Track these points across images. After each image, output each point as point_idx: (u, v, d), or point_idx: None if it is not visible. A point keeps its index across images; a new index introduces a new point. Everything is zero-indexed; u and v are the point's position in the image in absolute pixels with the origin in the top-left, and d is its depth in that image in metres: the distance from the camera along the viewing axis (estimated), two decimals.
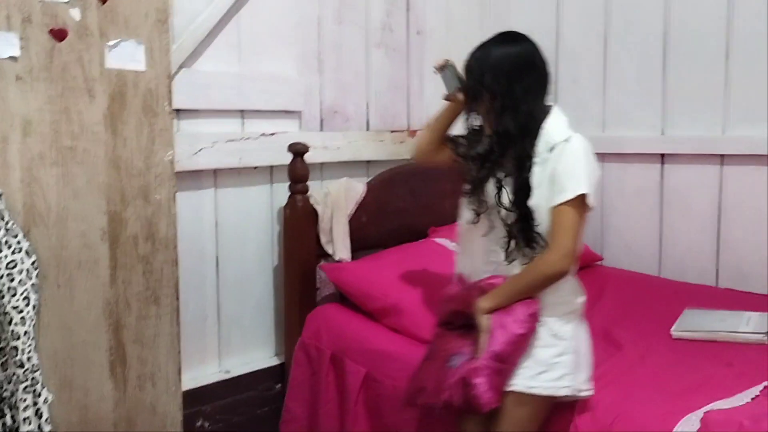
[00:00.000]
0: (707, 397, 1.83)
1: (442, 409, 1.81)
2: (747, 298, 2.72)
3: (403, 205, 2.74)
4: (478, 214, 1.83)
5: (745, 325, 2.38)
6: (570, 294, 1.81)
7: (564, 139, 1.74)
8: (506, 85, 1.74)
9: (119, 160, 1.69)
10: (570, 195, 1.69)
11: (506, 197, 1.75)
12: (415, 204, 2.78)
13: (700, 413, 1.72)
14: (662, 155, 3.02)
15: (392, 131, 2.87)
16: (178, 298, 1.82)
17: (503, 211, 1.76)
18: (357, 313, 2.39)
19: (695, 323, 2.43)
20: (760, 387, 1.88)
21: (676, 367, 2.10)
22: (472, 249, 1.90)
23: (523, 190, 1.73)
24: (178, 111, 2.24)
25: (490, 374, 1.70)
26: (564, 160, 1.72)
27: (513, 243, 1.75)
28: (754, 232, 2.87)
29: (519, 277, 1.76)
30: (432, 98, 3.02)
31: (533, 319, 1.74)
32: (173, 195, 1.80)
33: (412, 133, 2.93)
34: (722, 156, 2.92)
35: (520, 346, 1.73)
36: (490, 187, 1.80)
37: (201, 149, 2.27)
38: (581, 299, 1.85)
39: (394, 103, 2.92)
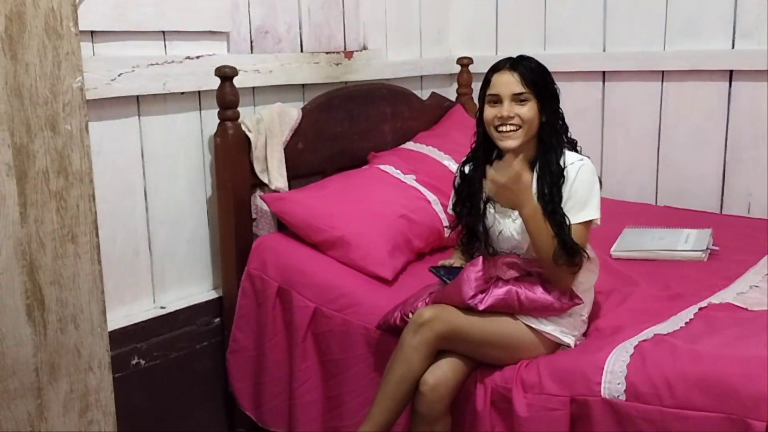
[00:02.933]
0: (642, 324, 1.85)
1: (402, 322, 1.85)
2: (686, 216, 2.75)
3: (340, 130, 2.64)
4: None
5: (683, 242, 2.40)
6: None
7: (580, 159, 1.86)
8: (556, 97, 1.88)
9: (22, 88, 1.54)
10: (589, 216, 1.83)
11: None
12: (353, 129, 2.69)
13: (634, 341, 1.73)
14: (603, 72, 2.98)
15: (328, 53, 2.74)
16: (97, 235, 1.71)
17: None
18: (303, 244, 2.32)
19: (634, 242, 2.44)
20: (695, 309, 1.90)
21: (613, 293, 2.11)
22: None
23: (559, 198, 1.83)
24: (92, 33, 2.08)
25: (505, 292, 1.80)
26: (583, 179, 1.83)
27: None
28: (693, 150, 2.88)
29: (547, 235, 1.80)
30: (369, 16, 2.90)
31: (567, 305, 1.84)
32: (85, 125, 1.67)
33: (349, 54, 2.80)
34: (663, 72, 2.89)
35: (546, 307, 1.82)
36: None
37: (120, 74, 2.12)
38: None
39: (329, 22, 2.78)
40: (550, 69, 1.91)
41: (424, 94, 3.09)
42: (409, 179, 2.58)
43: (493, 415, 1.78)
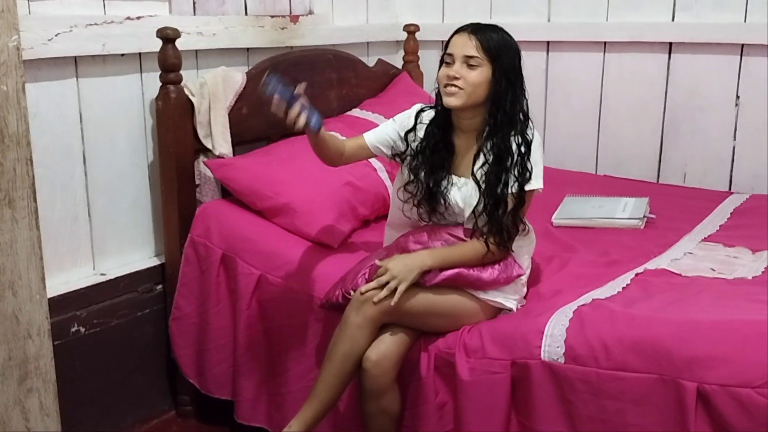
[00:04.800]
0: (581, 289, 1.90)
1: (345, 300, 1.85)
2: (625, 185, 2.82)
3: None
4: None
5: (621, 211, 2.47)
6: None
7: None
8: (519, 70, 1.86)
9: None
10: (534, 186, 1.85)
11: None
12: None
13: (573, 306, 1.78)
14: (548, 42, 3.01)
15: (273, 16, 2.69)
16: (36, 200, 1.66)
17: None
18: (248, 211, 2.30)
19: (574, 210, 2.49)
20: (631, 275, 1.96)
21: (554, 259, 2.16)
22: (411, 224, 1.99)
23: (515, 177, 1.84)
24: None
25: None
26: (533, 150, 1.85)
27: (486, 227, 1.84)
28: (633, 120, 2.95)
29: (464, 250, 1.84)
30: None
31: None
32: (22, 85, 1.61)
33: (294, 18, 2.76)
34: (605, 43, 2.94)
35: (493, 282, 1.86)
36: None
37: (57, 34, 2.05)
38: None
39: None
40: None
41: (370, 61, 3.07)
42: None
43: (437, 380, 1.81)
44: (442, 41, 3.18)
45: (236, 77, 2.45)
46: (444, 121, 1.93)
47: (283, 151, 2.45)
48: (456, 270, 1.80)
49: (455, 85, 1.82)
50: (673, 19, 2.77)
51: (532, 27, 3.00)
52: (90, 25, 2.13)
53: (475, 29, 1.85)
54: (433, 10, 3.28)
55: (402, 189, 1.97)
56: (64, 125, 2.16)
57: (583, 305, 1.79)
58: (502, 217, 1.82)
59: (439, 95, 1.91)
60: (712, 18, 2.69)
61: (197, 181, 2.38)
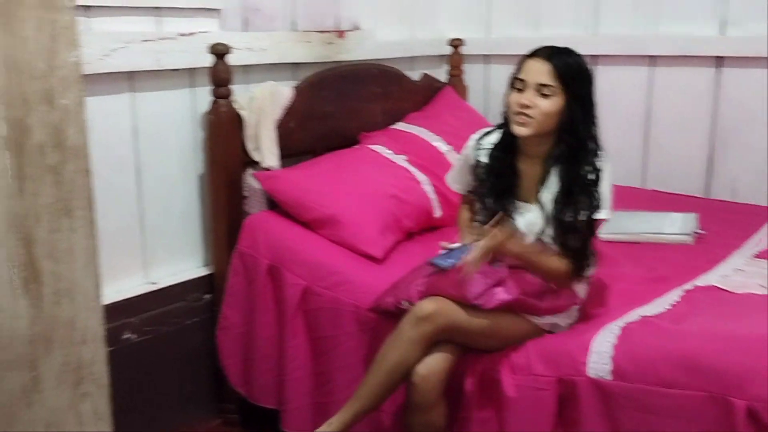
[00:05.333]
0: (629, 305, 1.88)
1: (396, 308, 1.86)
2: (673, 200, 2.79)
3: (331, 109, 2.65)
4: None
5: (670, 226, 2.44)
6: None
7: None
8: (592, 97, 1.84)
9: (18, 62, 1.53)
10: (604, 216, 1.83)
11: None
12: (344, 108, 2.70)
13: (621, 322, 1.77)
14: (594, 56, 3.00)
15: (320, 32, 2.74)
16: (93, 210, 1.72)
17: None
18: (294, 222, 2.34)
19: (622, 225, 2.47)
20: (680, 292, 1.94)
21: (600, 275, 2.14)
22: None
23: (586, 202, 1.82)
24: (87, 8, 2.08)
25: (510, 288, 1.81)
26: (604, 180, 1.83)
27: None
28: (681, 134, 2.91)
29: (549, 260, 1.83)
30: None
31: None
32: (82, 100, 1.66)
33: (341, 33, 2.80)
34: (652, 57, 2.92)
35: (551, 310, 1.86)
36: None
37: (114, 50, 2.12)
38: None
39: (322, 1, 2.78)
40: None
41: (415, 75, 3.10)
42: (400, 159, 2.60)
43: (482, 396, 1.81)
44: (487, 55, 3.23)
45: (284, 92, 2.50)
46: (508, 145, 1.89)
47: (329, 164, 2.49)
48: (516, 296, 1.79)
49: (526, 114, 1.77)
50: (721, 33, 2.74)
51: (578, 40, 2.99)
52: (145, 41, 2.20)
53: (550, 54, 1.79)
54: (478, 24, 3.29)
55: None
56: (119, 138, 2.23)
57: (630, 322, 1.78)
58: (573, 244, 1.81)
59: (506, 119, 1.87)
60: (761, 32, 2.65)
61: (245, 193, 2.43)
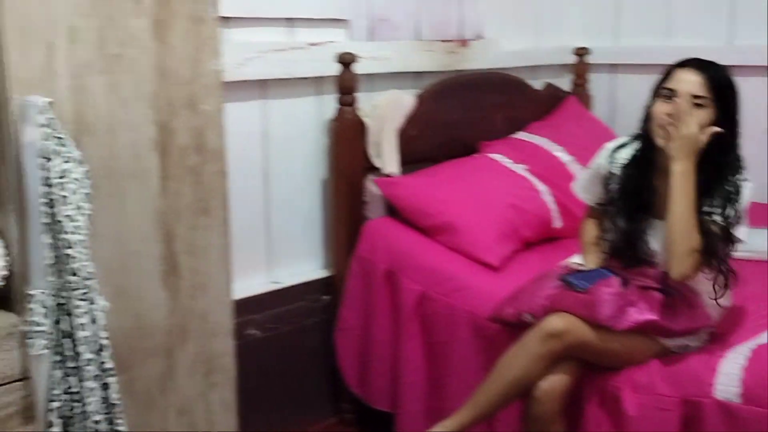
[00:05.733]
0: (759, 327, 1.80)
1: (517, 320, 1.85)
2: None
3: (453, 118, 2.67)
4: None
5: None
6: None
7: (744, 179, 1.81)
8: (738, 110, 1.80)
9: (166, 69, 1.66)
10: (740, 236, 1.78)
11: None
12: (465, 117, 2.71)
13: (751, 344, 1.69)
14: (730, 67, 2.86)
15: (443, 41, 2.77)
16: (227, 210, 1.82)
17: None
18: (411, 228, 2.38)
19: (749, 242, 2.35)
20: None
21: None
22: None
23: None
24: (225, 19, 2.19)
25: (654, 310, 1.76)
26: (745, 200, 1.77)
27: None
28: None
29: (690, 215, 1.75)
30: (487, 5, 2.91)
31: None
32: (221, 105, 1.77)
33: (464, 42, 2.82)
34: None
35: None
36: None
37: (248, 59, 2.23)
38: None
39: (446, 11, 2.81)
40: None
41: (538, 84, 3.07)
42: (520, 169, 2.58)
43: (602, 413, 1.77)
44: (614, 64, 3.16)
45: (407, 100, 2.54)
46: (645, 159, 1.84)
47: (449, 172, 2.51)
48: (649, 318, 1.74)
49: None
50: None
51: (712, 51, 2.87)
52: (277, 50, 2.30)
53: (702, 66, 1.74)
54: (605, 33, 3.22)
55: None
56: (250, 142, 2.34)
57: (762, 344, 1.70)
58: (712, 264, 1.75)
59: (645, 131, 1.82)
60: None
61: (366, 199, 2.49)
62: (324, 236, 2.59)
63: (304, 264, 2.55)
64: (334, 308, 2.47)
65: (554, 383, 1.76)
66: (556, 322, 1.75)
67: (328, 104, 2.47)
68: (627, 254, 1.86)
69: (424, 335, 2.21)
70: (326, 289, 2.52)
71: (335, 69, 2.35)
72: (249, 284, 2.37)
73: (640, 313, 1.73)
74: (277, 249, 2.47)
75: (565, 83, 3.19)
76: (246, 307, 2.28)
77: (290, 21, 2.37)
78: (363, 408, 2.42)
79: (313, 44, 2.38)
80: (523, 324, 1.84)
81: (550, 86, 3.07)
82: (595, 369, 1.80)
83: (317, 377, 2.52)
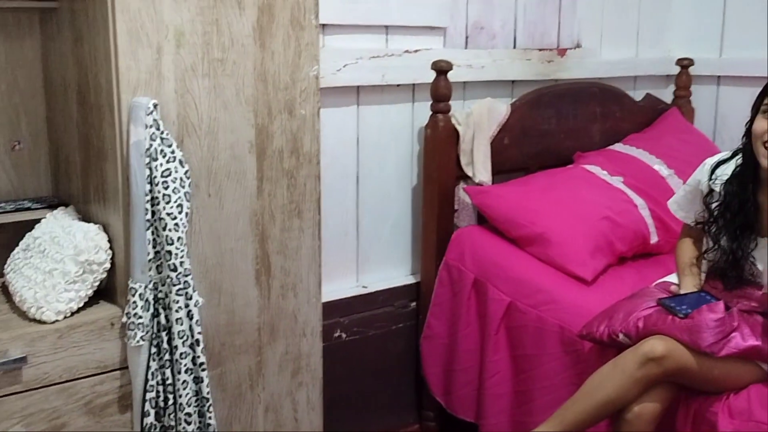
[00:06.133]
0: None
1: (611, 341, 1.80)
2: None
3: (547, 127, 2.63)
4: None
5: None
6: None
7: None
8: None
9: (266, 74, 1.70)
10: None
11: None
12: (560, 127, 2.67)
13: None
14: None
15: (540, 49, 2.73)
16: (320, 213, 1.85)
17: None
18: (501, 238, 2.35)
19: None
20: None
21: None
22: None
23: None
24: (323, 26, 2.24)
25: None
26: None
27: None
28: None
29: None
30: (586, 13, 2.85)
31: None
32: (317, 111, 1.81)
33: (562, 51, 2.78)
34: None
35: None
36: None
37: (345, 65, 2.26)
38: None
39: (544, 19, 2.77)
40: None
41: (637, 95, 2.98)
42: (616, 181, 2.52)
43: None
44: (719, 76, 3.03)
45: (501, 108, 2.52)
46: (748, 176, 1.77)
47: (541, 182, 2.47)
48: (752, 344, 1.67)
49: None
50: None
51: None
52: (373, 57, 2.32)
53: None
54: (710, 44, 3.10)
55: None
56: (343, 147, 2.37)
57: None
58: None
59: (747, 148, 1.76)
60: None
61: (455, 207, 2.48)
62: (412, 243, 2.59)
63: (391, 269, 2.56)
64: (420, 315, 2.47)
65: (648, 406, 1.69)
66: (657, 346, 1.68)
67: (421, 111, 2.47)
68: (730, 275, 1.78)
69: (511, 347, 2.17)
70: (413, 295, 2.53)
71: (429, 76, 2.36)
72: (337, 287, 2.40)
73: (743, 339, 1.66)
74: (366, 253, 2.49)
75: (665, 95, 3.08)
76: (334, 309, 2.31)
77: (388, 29, 2.39)
78: (446, 416, 2.40)
79: (408, 51, 2.39)
80: (616, 343, 1.78)
81: (650, 97, 2.98)
82: (690, 392, 1.73)
83: (401, 383, 2.52)
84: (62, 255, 1.59)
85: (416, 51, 2.41)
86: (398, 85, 2.44)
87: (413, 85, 2.47)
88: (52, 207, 1.81)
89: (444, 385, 2.38)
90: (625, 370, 1.70)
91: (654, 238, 2.39)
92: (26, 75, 1.85)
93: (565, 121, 2.67)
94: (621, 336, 1.77)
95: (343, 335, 2.37)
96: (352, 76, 2.29)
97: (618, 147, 2.75)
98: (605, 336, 1.82)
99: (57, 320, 1.57)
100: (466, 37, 2.58)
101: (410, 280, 2.56)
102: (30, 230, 1.75)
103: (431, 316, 2.42)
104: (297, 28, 1.73)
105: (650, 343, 1.69)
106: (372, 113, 2.42)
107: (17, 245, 1.75)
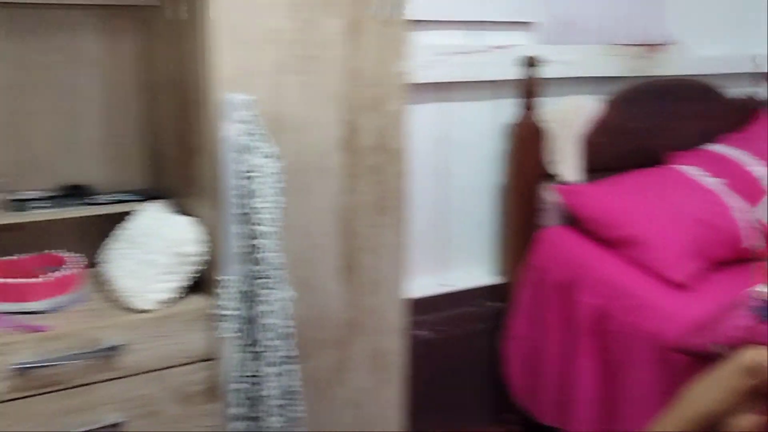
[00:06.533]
0: None
1: (706, 352, 1.72)
2: None
3: (640, 126, 2.54)
4: None
5: None
6: None
7: None
8: None
9: (355, 70, 1.70)
10: None
11: None
12: (653, 125, 2.57)
13: None
14: None
15: (633, 45, 2.65)
16: (405, 210, 1.84)
17: None
18: (589, 239, 2.29)
19: None
20: None
21: None
22: None
23: None
24: (412, 22, 2.22)
25: None
26: None
27: None
28: None
29: None
30: (679, 8, 2.75)
31: None
32: (404, 107, 1.80)
33: (655, 47, 2.68)
34: None
35: None
36: None
37: (432, 61, 2.25)
38: None
39: (636, 14, 2.68)
40: None
41: (732, 93, 2.85)
42: (712, 183, 2.41)
43: None
44: None
45: (590, 105, 2.45)
46: None
47: (635, 183, 2.39)
48: None
49: None
50: None
51: None
52: (460, 53, 2.30)
53: None
54: None
55: None
56: (429, 144, 2.36)
57: None
58: None
59: None
60: None
61: (541, 206, 2.43)
62: (497, 242, 2.56)
63: (475, 269, 2.53)
64: (504, 316, 2.44)
65: (749, 420, 1.61)
66: (758, 356, 1.60)
67: (507, 108, 2.43)
68: None
69: (599, 352, 2.11)
70: (496, 295, 2.49)
71: (516, 72, 2.32)
72: (421, 285, 2.39)
73: None
74: (450, 251, 2.47)
75: (762, 93, 2.93)
76: (417, 307, 2.30)
77: (476, 24, 2.36)
78: (527, 420, 2.36)
79: (496, 47, 2.36)
80: (710, 354, 1.71)
81: (746, 95, 2.84)
82: None
83: (482, 383, 2.49)
84: (157, 246, 1.64)
85: (503, 47, 2.37)
86: (484, 82, 2.40)
87: (499, 81, 2.43)
88: (148, 200, 1.87)
89: (527, 388, 2.33)
90: (723, 382, 1.62)
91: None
92: (125, 71, 1.91)
93: (658, 120, 2.58)
94: (716, 347, 1.70)
95: (426, 333, 2.35)
96: (439, 73, 2.27)
97: (713, 147, 2.63)
98: (699, 347, 1.75)
99: (151, 310, 1.62)
100: (556, 33, 2.52)
101: (494, 279, 2.52)
102: (125, 222, 1.81)
103: (515, 318, 2.38)
104: (387, 24, 1.72)
105: (750, 354, 1.61)
106: (458, 110, 2.40)
107: (112, 236, 1.82)
